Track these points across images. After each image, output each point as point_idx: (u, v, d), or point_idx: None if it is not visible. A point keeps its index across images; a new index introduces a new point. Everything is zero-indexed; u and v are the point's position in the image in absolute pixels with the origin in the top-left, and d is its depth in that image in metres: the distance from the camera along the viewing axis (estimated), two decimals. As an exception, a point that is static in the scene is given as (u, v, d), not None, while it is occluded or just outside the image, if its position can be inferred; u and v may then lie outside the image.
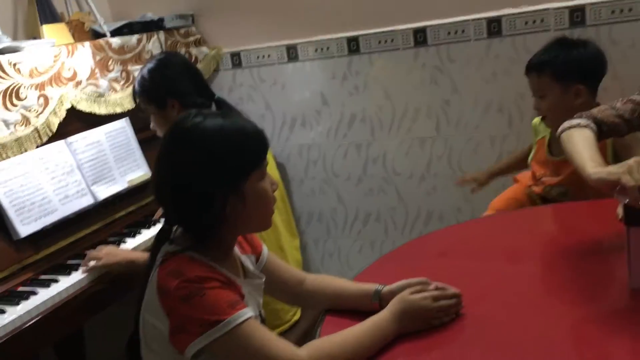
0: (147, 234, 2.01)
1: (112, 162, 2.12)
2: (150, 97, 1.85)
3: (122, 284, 1.85)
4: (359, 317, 1.19)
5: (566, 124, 1.46)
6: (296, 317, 1.90)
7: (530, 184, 1.94)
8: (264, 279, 1.25)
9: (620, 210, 1.16)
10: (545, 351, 1.05)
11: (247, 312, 1.05)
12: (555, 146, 1.87)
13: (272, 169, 1.93)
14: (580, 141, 1.37)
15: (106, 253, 1.73)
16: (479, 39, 2.26)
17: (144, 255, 1.76)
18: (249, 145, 1.13)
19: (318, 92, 2.58)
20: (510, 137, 2.32)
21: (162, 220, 1.98)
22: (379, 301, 1.22)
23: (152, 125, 1.94)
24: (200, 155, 1.10)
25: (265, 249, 1.32)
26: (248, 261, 1.25)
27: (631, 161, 1.15)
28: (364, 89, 2.49)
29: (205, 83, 1.90)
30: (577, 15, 2.11)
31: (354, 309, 1.25)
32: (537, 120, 1.98)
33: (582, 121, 1.44)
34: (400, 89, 2.44)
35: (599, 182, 1.20)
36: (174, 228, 1.17)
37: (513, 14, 2.19)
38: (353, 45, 2.46)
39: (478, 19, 2.24)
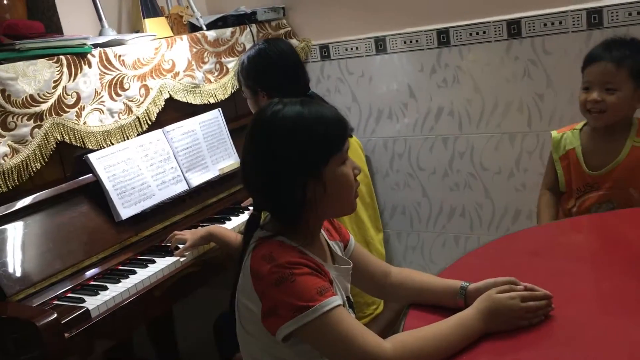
0: (236, 221, 2.08)
1: (205, 151, 2.22)
2: (245, 83, 1.92)
3: (212, 267, 1.94)
4: (443, 313, 1.19)
5: None
6: (379, 311, 1.92)
7: (571, 207, 1.81)
8: (351, 265, 1.27)
9: None
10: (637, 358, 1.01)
11: (336, 300, 1.08)
12: (592, 157, 1.76)
13: (360, 161, 1.95)
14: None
15: (189, 233, 1.83)
16: (576, 31, 2.17)
17: (221, 228, 1.85)
18: (328, 130, 1.15)
19: (405, 85, 2.57)
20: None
21: (251, 207, 2.09)
22: (464, 298, 1.21)
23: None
24: (280, 142, 1.14)
25: (352, 238, 1.35)
26: (337, 247, 1.28)
27: None
28: (452, 82, 2.46)
29: (301, 77, 1.92)
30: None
31: (438, 304, 1.25)
32: (557, 134, 1.85)
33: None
34: (491, 83, 2.38)
35: None
36: (263, 214, 1.22)
37: (615, 4, 2.09)
38: (443, 37, 2.42)
39: (577, 10, 2.15)
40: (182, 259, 1.83)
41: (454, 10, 2.37)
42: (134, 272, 1.75)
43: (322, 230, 1.26)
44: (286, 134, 1.14)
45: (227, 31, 2.43)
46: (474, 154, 2.50)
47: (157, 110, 2.10)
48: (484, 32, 2.34)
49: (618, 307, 1.17)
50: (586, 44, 2.15)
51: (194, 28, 2.47)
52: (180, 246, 1.84)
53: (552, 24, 2.20)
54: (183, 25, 2.45)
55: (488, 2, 2.30)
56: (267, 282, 1.08)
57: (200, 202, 2.16)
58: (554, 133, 1.85)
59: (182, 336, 2.33)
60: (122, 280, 1.70)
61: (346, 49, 2.66)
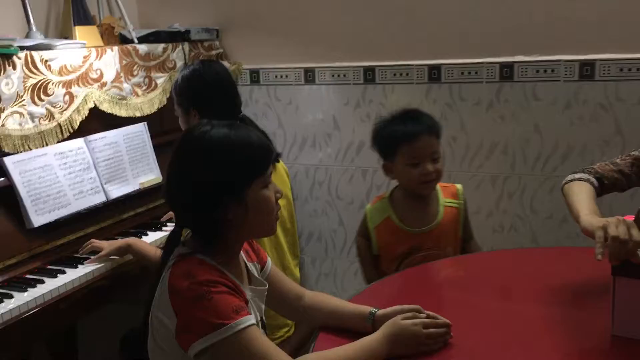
0: (153, 236, 2.07)
1: (127, 164, 2.20)
2: (178, 102, 1.94)
3: (123, 282, 1.92)
4: (352, 337, 1.25)
5: (569, 177, 1.54)
6: (289, 334, 1.96)
7: (394, 269, 1.78)
8: (267, 287, 1.31)
9: (598, 251, 1.22)
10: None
11: (250, 319, 1.11)
12: (411, 221, 1.78)
13: (284, 186, 2.00)
14: (580, 193, 1.45)
15: (106, 243, 1.83)
16: (490, 82, 2.35)
17: (140, 241, 1.85)
18: (252, 154, 1.20)
19: (331, 116, 2.67)
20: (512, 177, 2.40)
21: (169, 223, 2.08)
22: (372, 323, 1.28)
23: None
24: (205, 162, 1.17)
25: (269, 260, 1.39)
26: (253, 268, 1.32)
27: (612, 219, 1.23)
28: (375, 118, 2.56)
29: (234, 100, 1.96)
30: (586, 69, 2.20)
31: (348, 328, 1.30)
32: (370, 207, 1.85)
33: (583, 175, 1.52)
34: (410, 121, 2.51)
35: (584, 229, 1.31)
36: (184, 231, 1.24)
37: (524, 62, 2.28)
38: (369, 74, 2.55)
39: (491, 63, 2.33)
40: (93, 269, 1.80)
41: (382, 51, 2.50)
42: (42, 282, 1.70)
43: (241, 251, 1.29)
44: (211, 155, 1.18)
45: (159, 47, 2.44)
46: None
47: (81, 119, 2.06)
48: (407, 74, 2.48)
49: (513, 339, 1.28)
50: (496, 94, 2.33)
51: (124, 40, 2.46)
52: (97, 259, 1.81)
53: (469, 72, 2.38)
54: (114, 36, 2.44)
55: (413, 47, 2.45)
56: (184, 298, 1.10)
57: (117, 215, 2.13)
58: (368, 207, 1.86)
59: (84, 353, 2.26)
60: (29, 289, 1.65)
61: (276, 76, 2.73)
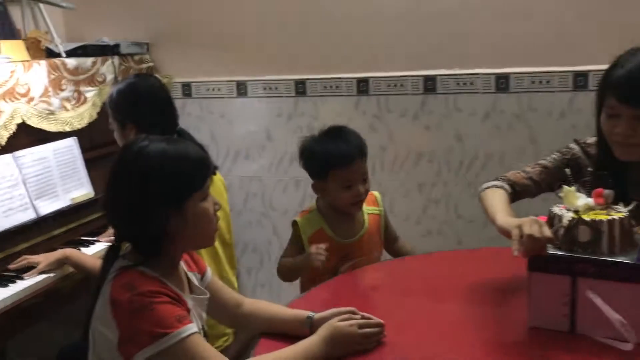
0: (88, 251, 2.04)
1: (57, 179, 2.16)
2: (114, 116, 1.93)
3: (56, 300, 1.89)
4: (291, 341, 1.30)
5: (484, 185, 1.67)
6: (228, 343, 1.99)
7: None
8: (208, 295, 1.35)
9: (514, 247, 1.32)
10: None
11: (192, 327, 1.15)
12: (341, 232, 1.84)
13: (222, 198, 2.03)
14: (494, 198, 1.58)
15: (42, 257, 1.82)
16: (415, 94, 2.48)
17: (77, 252, 1.84)
18: (190, 168, 1.23)
19: (264, 128, 2.72)
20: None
21: (103, 238, 2.07)
22: (310, 327, 1.34)
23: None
24: (144, 177, 1.20)
25: (209, 270, 1.42)
26: (194, 278, 1.35)
27: (527, 218, 1.35)
28: (307, 129, 2.65)
29: (171, 113, 1.98)
30: (502, 82, 2.36)
31: (287, 333, 1.36)
32: (301, 219, 1.88)
33: (497, 183, 1.66)
34: (341, 133, 2.61)
35: (500, 229, 1.42)
36: (124, 244, 1.26)
37: (446, 75, 2.42)
38: (300, 87, 2.62)
39: (416, 76, 2.46)
40: (24, 288, 1.76)
41: (312, 64, 2.58)
42: (-29, 303, 1.66)
43: (181, 262, 1.32)
44: (150, 170, 1.20)
45: (88, 61, 2.42)
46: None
47: (8, 135, 2.02)
48: (337, 87, 2.57)
49: (440, 335, 1.37)
50: (421, 105, 2.46)
51: (51, 54, 2.42)
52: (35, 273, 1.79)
53: (395, 85, 2.49)
54: (40, 50, 2.39)
55: (342, 61, 2.54)
56: (126, 310, 1.13)
57: (48, 232, 2.09)
58: (298, 219, 1.88)
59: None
60: (-45, 310, 1.61)
61: (208, 89, 2.76)
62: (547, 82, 2.32)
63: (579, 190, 1.40)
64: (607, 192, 1.35)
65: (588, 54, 2.22)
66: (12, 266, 1.83)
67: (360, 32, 2.50)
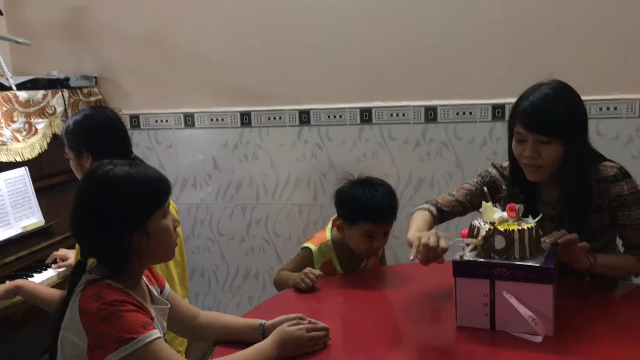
0: (39, 278, 2.11)
1: (9, 208, 2.22)
2: (70, 146, 2.01)
3: (8, 324, 1.94)
4: (245, 348, 1.43)
5: (417, 207, 1.89)
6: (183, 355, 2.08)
7: None
8: (168, 306, 1.46)
9: (412, 253, 1.55)
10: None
11: (157, 333, 1.26)
12: (346, 265, 2.01)
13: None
14: (417, 218, 1.81)
15: None
16: (352, 124, 2.68)
17: (29, 282, 1.90)
18: (152, 188, 1.36)
19: (210, 157, 2.85)
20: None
21: (53, 264, 2.13)
22: (263, 333, 1.47)
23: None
24: (109, 198, 1.32)
25: (167, 284, 1.54)
26: (154, 291, 1.46)
27: (428, 232, 1.59)
28: (252, 158, 2.80)
29: (125, 142, 2.07)
30: (430, 113, 2.59)
31: (241, 340, 1.47)
32: (315, 247, 2.00)
33: (425, 205, 1.89)
34: (284, 161, 2.77)
35: (408, 241, 1.63)
36: (90, 260, 1.36)
37: (381, 107, 2.64)
38: (245, 118, 2.78)
39: (353, 108, 2.67)
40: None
41: (256, 96, 2.75)
42: None
43: (142, 276, 1.43)
44: (115, 191, 1.32)
45: (39, 93, 2.50)
46: (269, 221, 2.83)
47: (-39, 164, 2.08)
48: (280, 118, 2.74)
49: (378, 337, 1.53)
50: (359, 135, 2.67)
51: (1, 87, 2.48)
52: None
53: (335, 117, 2.69)
54: (-9, 84, 2.46)
55: (284, 94, 2.72)
56: (95, 318, 1.23)
57: (0, 259, 2.13)
58: (313, 247, 2.00)
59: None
60: None
61: (156, 121, 2.88)
62: (471, 113, 2.57)
63: (495, 206, 1.62)
64: (518, 206, 1.56)
65: (504, 89, 2.49)
66: None
67: (301, 66, 2.69)
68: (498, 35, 2.49)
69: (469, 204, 1.90)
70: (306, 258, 2.00)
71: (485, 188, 1.83)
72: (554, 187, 1.76)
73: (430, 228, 1.77)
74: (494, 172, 1.90)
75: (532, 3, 2.45)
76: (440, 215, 1.87)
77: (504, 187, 1.87)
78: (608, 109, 2.48)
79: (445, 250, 1.53)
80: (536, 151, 1.67)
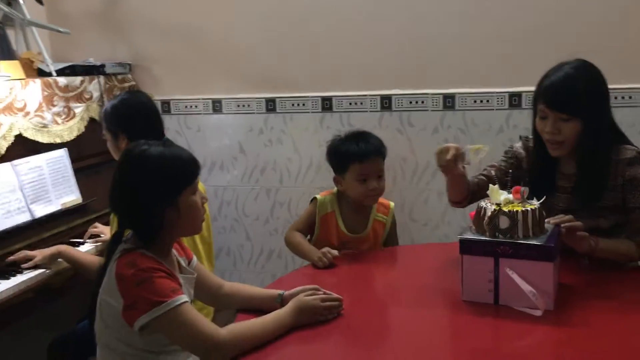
0: (78, 251, 2.26)
1: (50, 186, 2.38)
2: (107, 128, 2.16)
3: (50, 292, 2.10)
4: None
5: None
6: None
7: None
8: (195, 275, 1.59)
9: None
10: (399, 340, 1.48)
11: (184, 297, 1.39)
12: (348, 222, 2.13)
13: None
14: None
15: (38, 252, 2.04)
16: (374, 111, 2.78)
17: (70, 248, 2.08)
18: (183, 167, 1.49)
19: (237, 142, 2.98)
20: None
21: (88, 240, 2.28)
22: (281, 302, 1.59)
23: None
24: (144, 175, 1.45)
25: (194, 256, 1.67)
26: (183, 262, 1.59)
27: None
28: (276, 142, 2.93)
29: (158, 125, 2.21)
30: (448, 101, 2.68)
31: (261, 309, 1.60)
32: (322, 197, 2.14)
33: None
34: (307, 146, 2.89)
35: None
36: (126, 231, 1.50)
37: (400, 94, 2.73)
38: (270, 105, 2.90)
39: (373, 95, 2.76)
40: (22, 284, 1.96)
41: (281, 83, 2.87)
42: (-25, 293, 1.87)
43: (172, 248, 1.57)
44: (150, 169, 1.46)
45: (77, 79, 2.66)
46: (292, 204, 2.96)
47: (7, 145, 2.24)
48: (304, 104, 2.86)
49: (389, 310, 1.64)
50: (379, 121, 2.76)
51: (42, 73, 2.65)
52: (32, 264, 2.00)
53: (356, 103, 2.79)
54: (33, 70, 2.62)
55: (308, 81, 2.83)
56: (130, 282, 1.37)
57: (41, 233, 2.29)
58: (319, 197, 2.15)
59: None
60: (-34, 298, 1.81)
61: (185, 106, 3.02)
62: (488, 101, 2.65)
63: (503, 188, 1.71)
64: (523, 188, 1.65)
65: (521, 77, 2.56)
66: (10, 258, 2.03)
67: (324, 54, 2.79)
68: (516, 24, 2.55)
69: (496, 178, 1.96)
70: (311, 210, 2.15)
71: (510, 164, 1.94)
72: (573, 161, 1.84)
73: (462, 188, 1.91)
74: (518, 145, 1.99)
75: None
76: (475, 187, 1.96)
77: (524, 160, 1.95)
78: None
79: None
80: (557, 128, 1.76)
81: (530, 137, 1.95)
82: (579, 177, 1.83)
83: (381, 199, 2.18)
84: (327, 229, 2.14)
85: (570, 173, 1.86)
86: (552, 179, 1.86)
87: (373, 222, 2.17)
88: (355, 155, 2.05)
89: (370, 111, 2.78)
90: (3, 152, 2.22)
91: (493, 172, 1.98)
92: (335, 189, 2.19)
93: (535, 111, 1.82)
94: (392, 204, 2.24)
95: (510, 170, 1.84)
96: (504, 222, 1.59)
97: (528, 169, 1.94)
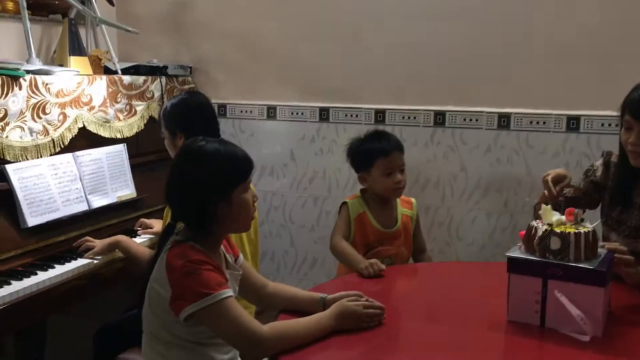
0: (130, 243, 2.33)
1: (107, 179, 2.47)
2: (166, 126, 2.23)
3: (100, 281, 2.17)
4: (306, 318, 1.57)
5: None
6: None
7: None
8: (241, 272, 1.62)
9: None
10: (439, 356, 1.47)
11: (230, 292, 1.42)
12: (380, 220, 2.24)
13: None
14: None
15: (98, 241, 2.14)
16: (426, 126, 2.77)
17: (127, 239, 2.16)
18: (237, 164, 1.53)
19: (288, 149, 3.02)
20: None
21: (140, 232, 2.35)
22: (324, 306, 1.60)
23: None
24: (200, 170, 1.49)
25: (241, 255, 1.70)
26: (230, 258, 1.63)
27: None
28: (327, 152, 2.95)
29: (215, 126, 2.27)
30: (503, 120, 2.65)
31: (303, 311, 1.61)
32: (351, 201, 2.26)
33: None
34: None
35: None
36: (179, 224, 1.55)
37: (454, 111, 2.72)
38: (324, 114, 2.93)
39: (427, 110, 2.76)
40: (75, 270, 2.04)
41: (336, 93, 2.90)
42: (35, 273, 1.95)
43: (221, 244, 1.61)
44: (206, 163, 1.50)
45: (140, 79, 2.76)
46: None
47: (71, 136, 2.34)
48: (357, 115, 2.88)
49: (433, 326, 1.63)
50: (432, 137, 2.75)
51: (108, 71, 2.76)
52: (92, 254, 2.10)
53: (409, 117, 2.79)
54: (100, 67, 2.73)
55: (362, 93, 2.86)
56: (179, 273, 1.41)
57: (96, 223, 2.38)
58: (349, 201, 2.27)
59: (54, 348, 2.46)
60: (24, 278, 1.90)
61: (241, 111, 3.09)
62: (544, 122, 2.60)
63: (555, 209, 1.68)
64: (576, 210, 1.62)
65: (581, 101, 2.51)
66: (75, 244, 2.15)
67: (379, 67, 2.81)
68: (580, 45, 2.51)
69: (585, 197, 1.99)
70: (345, 213, 2.26)
71: (589, 183, 1.99)
72: None
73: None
74: (598, 163, 2.01)
75: (613, 13, 2.46)
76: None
77: (602, 174, 1.97)
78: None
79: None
80: None
81: (612, 152, 1.97)
82: None
83: (403, 196, 2.32)
84: (363, 229, 2.23)
85: None
86: (629, 193, 1.86)
87: (401, 216, 2.29)
88: (380, 151, 2.20)
89: (423, 126, 2.78)
90: (67, 142, 2.32)
91: (572, 193, 1.98)
92: (358, 192, 2.31)
93: (622, 123, 1.83)
94: (413, 199, 2.38)
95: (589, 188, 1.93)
96: (555, 243, 1.56)
97: (604, 182, 1.96)
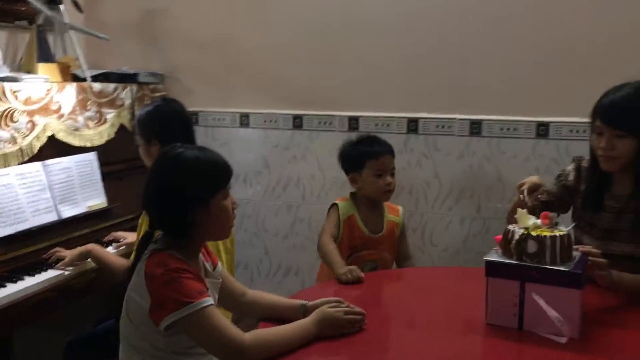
0: (102, 253, 2.28)
1: (78, 188, 2.42)
2: (140, 133, 2.19)
3: (71, 293, 2.11)
4: (287, 325, 1.56)
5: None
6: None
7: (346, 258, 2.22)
8: (220, 280, 1.60)
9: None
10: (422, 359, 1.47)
11: (210, 300, 1.40)
12: (367, 223, 2.31)
13: None
14: None
15: (68, 252, 2.09)
16: (400, 133, 2.79)
17: (99, 248, 2.12)
18: (217, 171, 1.52)
19: (262, 156, 3.01)
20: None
21: (114, 243, 2.31)
22: (304, 313, 1.59)
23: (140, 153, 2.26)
24: (179, 175, 1.47)
25: (219, 263, 1.68)
26: (208, 266, 1.60)
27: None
28: (301, 159, 2.95)
29: (190, 133, 2.24)
30: (475, 127, 2.69)
31: (284, 318, 1.60)
32: (341, 202, 2.32)
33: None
34: (331, 164, 2.90)
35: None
36: (157, 232, 1.52)
37: (427, 118, 2.75)
38: (297, 121, 2.93)
39: (400, 117, 2.78)
40: (46, 282, 1.98)
41: (309, 101, 2.91)
42: (4, 286, 1.89)
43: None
44: (185, 170, 1.48)
45: (111, 86, 2.71)
46: (312, 221, 2.97)
47: (40, 145, 2.28)
48: (330, 123, 2.88)
49: (411, 329, 1.63)
50: (405, 143, 2.78)
51: (77, 79, 2.71)
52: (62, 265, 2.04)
53: (382, 125, 2.81)
54: (69, 74, 2.68)
55: (335, 100, 2.86)
56: (159, 282, 1.38)
57: (67, 234, 2.32)
58: (339, 203, 2.32)
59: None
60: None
61: (214, 119, 3.06)
62: (515, 129, 2.65)
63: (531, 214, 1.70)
64: (551, 214, 1.65)
65: (549, 108, 2.57)
66: (45, 256, 2.09)
67: (353, 74, 2.83)
68: (546, 55, 2.57)
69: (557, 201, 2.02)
70: (335, 214, 2.30)
71: (563, 189, 2.02)
72: (627, 183, 1.87)
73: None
74: (569, 167, 2.05)
75: (588, 24, 2.52)
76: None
77: (573, 179, 2.01)
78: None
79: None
80: (611, 144, 1.80)
81: (583, 157, 2.01)
82: (633, 196, 1.85)
83: (391, 203, 2.39)
84: (351, 231, 2.28)
85: (621, 194, 1.89)
86: (600, 197, 1.90)
87: (387, 222, 2.35)
88: (372, 153, 2.28)
89: (397, 133, 2.80)
90: (36, 151, 2.27)
91: (545, 197, 2.00)
92: (348, 195, 2.36)
93: (592, 129, 1.86)
94: (400, 207, 2.43)
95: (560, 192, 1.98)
96: (532, 247, 1.58)
97: (576, 186, 2.00)
